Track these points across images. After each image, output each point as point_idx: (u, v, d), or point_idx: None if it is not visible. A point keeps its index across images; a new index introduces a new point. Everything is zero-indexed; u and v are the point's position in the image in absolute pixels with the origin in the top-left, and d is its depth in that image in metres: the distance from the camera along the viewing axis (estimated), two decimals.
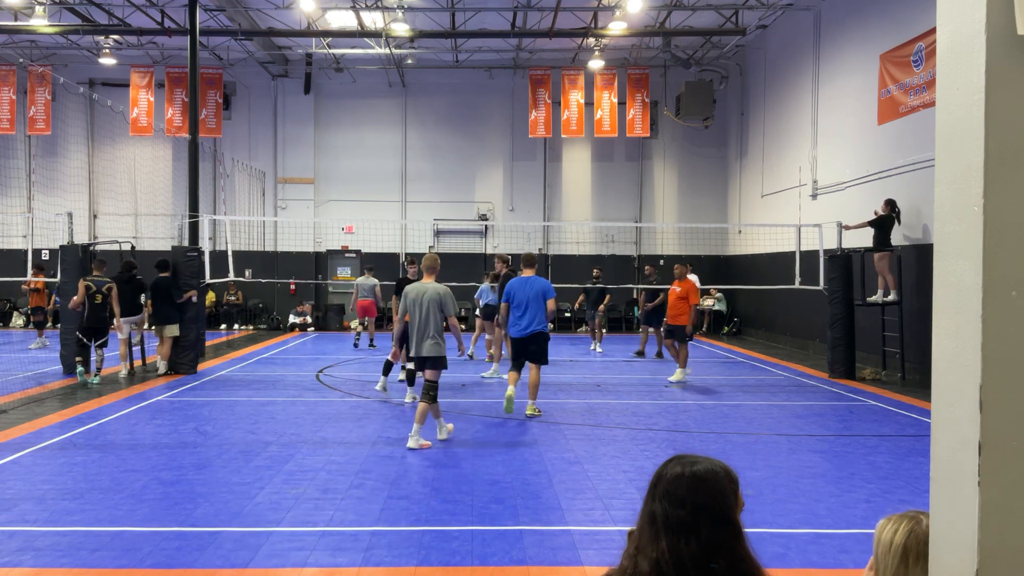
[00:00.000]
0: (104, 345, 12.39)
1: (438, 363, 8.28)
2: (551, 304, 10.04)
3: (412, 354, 8.43)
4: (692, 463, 1.91)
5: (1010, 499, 1.39)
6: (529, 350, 9.96)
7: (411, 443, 8.09)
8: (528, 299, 9.93)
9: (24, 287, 19.88)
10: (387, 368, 11.58)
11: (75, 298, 12.37)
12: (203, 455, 7.81)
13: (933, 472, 1.55)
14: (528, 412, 9.92)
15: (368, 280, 17.92)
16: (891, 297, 13.71)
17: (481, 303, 14.87)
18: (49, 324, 18.97)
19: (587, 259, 22.93)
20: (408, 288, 8.51)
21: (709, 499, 1.85)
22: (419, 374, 8.92)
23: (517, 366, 10.11)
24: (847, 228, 14.52)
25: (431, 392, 8.22)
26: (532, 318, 9.87)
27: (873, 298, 13.95)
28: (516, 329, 9.99)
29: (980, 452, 1.39)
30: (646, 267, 17.89)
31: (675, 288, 13.32)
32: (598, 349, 17.79)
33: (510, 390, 9.90)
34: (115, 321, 12.88)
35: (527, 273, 10.25)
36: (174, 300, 13.45)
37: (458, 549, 5.25)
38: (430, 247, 24.12)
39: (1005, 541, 1.39)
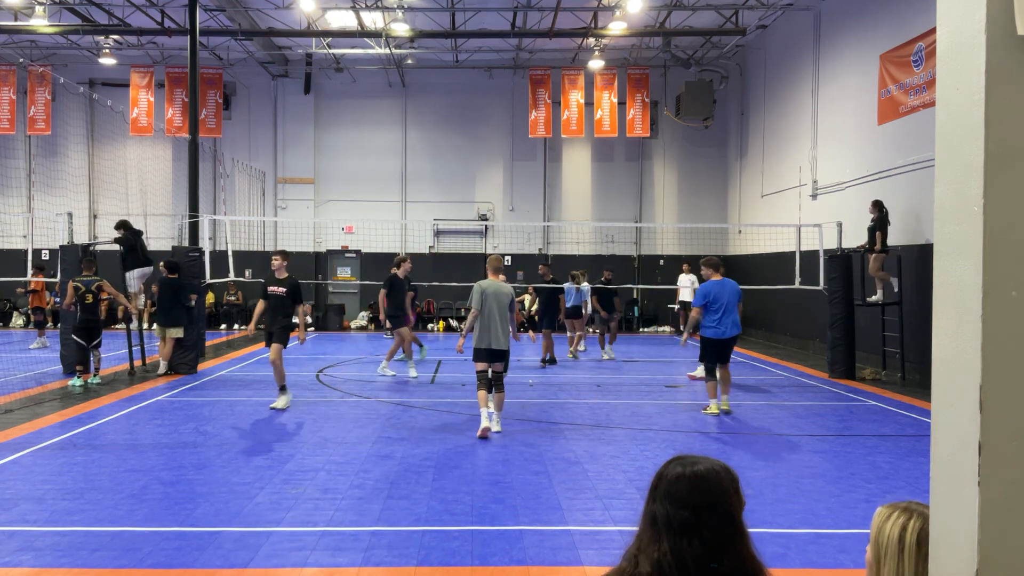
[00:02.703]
0: (99, 345, 12.36)
1: (507, 356, 9.08)
2: (740, 307, 10.30)
3: (487, 346, 8.87)
4: (692, 463, 1.89)
5: (1010, 499, 1.39)
6: (724, 354, 10.19)
7: (496, 427, 8.94)
8: (726, 302, 10.08)
9: (19, 290, 19.93)
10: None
11: (65, 299, 12.37)
12: (203, 455, 7.82)
13: (933, 472, 1.55)
14: (724, 407, 10.23)
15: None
16: (877, 296, 13.71)
17: (568, 304, 16.19)
18: (49, 324, 18.97)
19: (587, 259, 22.91)
20: (485, 285, 8.99)
21: (711, 498, 1.83)
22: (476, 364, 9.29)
23: (713, 371, 10.23)
24: (863, 248, 13.98)
25: (502, 382, 9.12)
26: (731, 321, 10.08)
27: (873, 298, 13.95)
28: (715, 331, 10.06)
29: (980, 452, 1.39)
30: (540, 266, 17.15)
31: None
32: (609, 356, 16.35)
33: (713, 404, 10.19)
34: (123, 308, 13.65)
35: (717, 276, 10.28)
36: (181, 302, 13.47)
37: (458, 549, 5.25)
38: (430, 247, 24.14)
39: (1005, 541, 1.39)
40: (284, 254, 10.59)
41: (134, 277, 13.89)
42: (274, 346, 10.29)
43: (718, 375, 10.20)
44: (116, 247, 14.34)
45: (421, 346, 15.65)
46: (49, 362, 14.33)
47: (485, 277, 9.23)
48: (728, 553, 1.80)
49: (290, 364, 15.21)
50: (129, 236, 13.94)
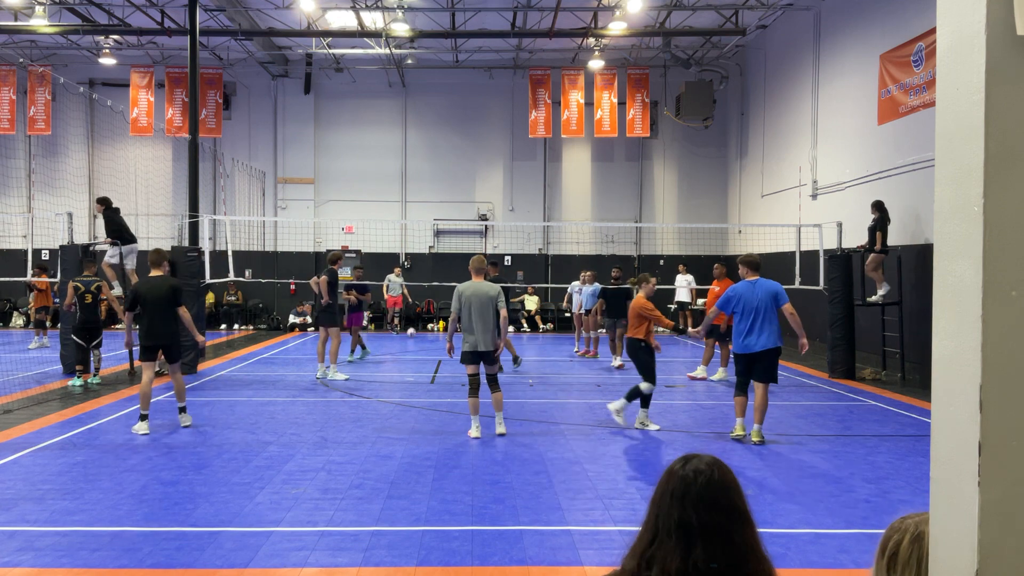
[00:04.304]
0: (99, 345, 12.35)
1: (493, 356, 8.84)
2: (788, 309, 8.52)
3: (471, 348, 8.68)
4: (708, 465, 1.90)
5: (1010, 499, 1.39)
6: (756, 368, 8.52)
7: (500, 429, 8.80)
8: (756, 307, 8.39)
9: (30, 288, 19.90)
10: (646, 399, 9.25)
11: (65, 300, 12.35)
12: (203, 455, 7.82)
13: (933, 472, 1.55)
14: (754, 439, 8.49)
15: (398, 278, 21.25)
16: (880, 293, 13.68)
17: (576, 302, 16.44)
18: (49, 324, 18.95)
19: (588, 259, 22.93)
20: (463, 288, 8.77)
21: (737, 500, 1.86)
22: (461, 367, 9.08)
23: (743, 386, 8.63)
24: (863, 248, 13.89)
25: (497, 381, 8.91)
26: (764, 331, 8.38)
27: (873, 298, 13.95)
28: (741, 343, 8.52)
29: (980, 452, 1.39)
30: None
31: (714, 288, 13.38)
32: (617, 363, 14.91)
33: (738, 425, 8.62)
34: (116, 317, 13.32)
35: (752, 276, 8.69)
36: None
37: (458, 549, 5.25)
38: (430, 247, 24.14)
39: (1005, 541, 1.39)
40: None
41: (125, 254, 13.72)
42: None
43: (756, 397, 8.54)
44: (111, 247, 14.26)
45: (356, 349, 15.73)
46: (49, 362, 14.32)
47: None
48: (755, 555, 1.82)
49: (289, 364, 15.22)
50: (112, 214, 13.75)
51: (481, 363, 8.77)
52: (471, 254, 24.00)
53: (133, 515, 5.91)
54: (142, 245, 15.35)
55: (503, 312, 8.75)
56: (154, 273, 9.23)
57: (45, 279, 17.69)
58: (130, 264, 13.98)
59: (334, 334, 13.14)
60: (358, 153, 24.20)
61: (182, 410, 9.31)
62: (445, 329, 22.97)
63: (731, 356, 13.49)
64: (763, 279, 8.63)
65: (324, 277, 13.00)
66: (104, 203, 13.85)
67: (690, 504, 1.84)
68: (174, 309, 9.05)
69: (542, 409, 10.46)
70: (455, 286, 8.93)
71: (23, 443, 8.24)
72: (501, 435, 8.74)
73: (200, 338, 9.74)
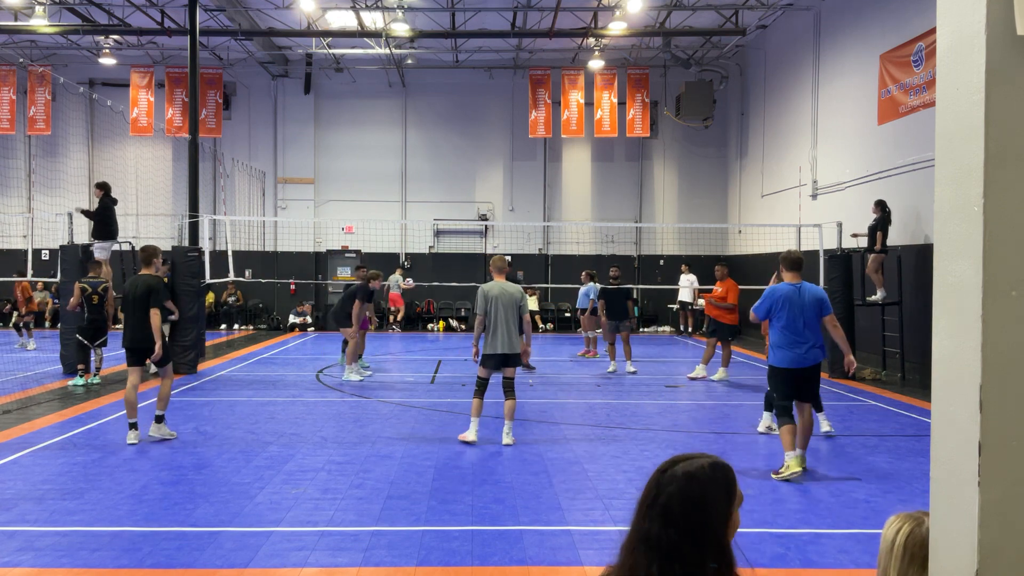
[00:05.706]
0: (103, 345, 12.35)
1: (519, 360, 8.53)
2: (832, 320, 7.29)
3: (496, 351, 8.32)
4: (688, 474, 1.78)
5: (1010, 499, 1.39)
6: (803, 388, 7.27)
7: (508, 440, 8.38)
8: (805, 314, 7.12)
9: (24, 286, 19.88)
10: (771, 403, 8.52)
11: (71, 300, 12.34)
12: (203, 455, 7.82)
13: (933, 472, 1.55)
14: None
15: (398, 278, 21.63)
16: (878, 296, 13.68)
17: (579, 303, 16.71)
18: (48, 324, 18.92)
19: (588, 259, 22.92)
20: (488, 287, 8.48)
21: (704, 518, 1.75)
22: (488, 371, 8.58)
23: (789, 410, 7.19)
24: (868, 249, 13.86)
25: (513, 388, 8.54)
26: (814, 342, 7.17)
27: (873, 298, 13.94)
28: (788, 356, 7.17)
29: (980, 452, 1.39)
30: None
31: (716, 290, 13.42)
32: (630, 369, 14.14)
33: (793, 460, 7.05)
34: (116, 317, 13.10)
35: (792, 277, 7.30)
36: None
37: (458, 549, 5.25)
38: (430, 247, 24.14)
39: (1005, 541, 1.39)
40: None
41: (103, 248, 13.48)
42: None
43: (801, 420, 7.24)
44: (115, 247, 14.17)
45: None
46: (49, 362, 14.32)
47: (488, 278, 8.87)
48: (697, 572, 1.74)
49: (289, 364, 15.22)
50: (109, 202, 13.54)
51: (498, 367, 8.41)
52: (471, 254, 24.19)
53: (133, 515, 5.91)
54: (141, 245, 15.26)
55: (526, 316, 8.46)
56: (142, 271, 8.75)
57: (26, 280, 17.62)
58: (102, 255, 13.63)
59: (350, 335, 13.22)
60: (358, 153, 24.20)
61: (158, 419, 8.47)
62: (446, 329, 22.98)
63: (731, 357, 13.59)
64: (807, 283, 7.35)
65: (356, 303, 12.87)
66: (104, 188, 13.62)
67: (664, 520, 1.74)
68: (149, 311, 8.35)
69: (542, 409, 10.46)
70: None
71: (23, 443, 8.24)
72: (507, 446, 8.32)
73: (158, 351, 8.38)
